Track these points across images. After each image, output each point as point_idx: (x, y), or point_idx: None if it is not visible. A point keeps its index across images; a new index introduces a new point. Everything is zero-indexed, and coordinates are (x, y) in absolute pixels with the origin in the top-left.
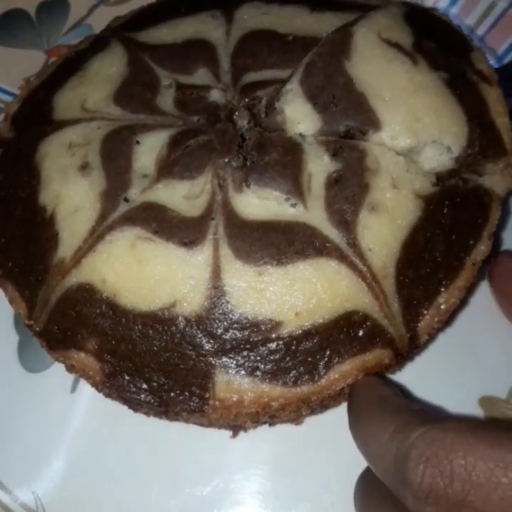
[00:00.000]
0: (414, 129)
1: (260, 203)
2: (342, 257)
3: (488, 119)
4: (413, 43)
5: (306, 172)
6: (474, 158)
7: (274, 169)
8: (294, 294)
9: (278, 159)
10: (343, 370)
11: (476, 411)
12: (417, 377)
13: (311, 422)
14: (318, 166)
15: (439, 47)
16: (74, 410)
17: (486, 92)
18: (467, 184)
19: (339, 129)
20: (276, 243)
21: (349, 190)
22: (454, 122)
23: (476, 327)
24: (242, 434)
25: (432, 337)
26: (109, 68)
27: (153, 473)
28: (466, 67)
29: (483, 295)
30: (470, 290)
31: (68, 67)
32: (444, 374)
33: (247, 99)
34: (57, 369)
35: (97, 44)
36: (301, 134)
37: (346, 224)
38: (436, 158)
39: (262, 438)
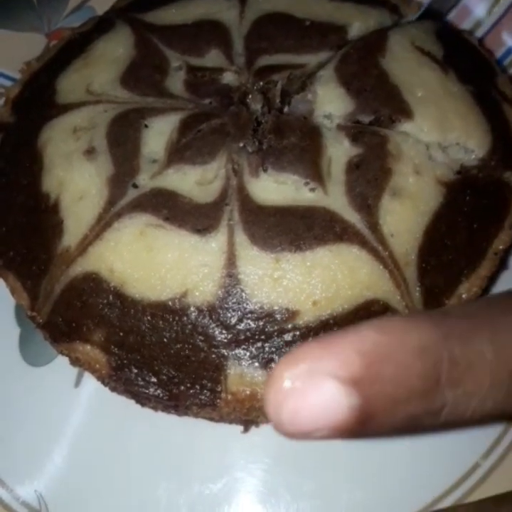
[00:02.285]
0: (442, 126)
1: (277, 187)
2: (363, 243)
3: (509, 133)
4: (443, 55)
5: (326, 156)
6: (496, 165)
7: (292, 153)
8: (312, 282)
9: (296, 143)
10: None
11: None
12: None
13: None
14: (338, 151)
15: (467, 65)
16: (78, 405)
17: (508, 111)
18: (488, 176)
19: (370, 114)
20: (294, 228)
21: (371, 174)
22: (479, 129)
23: None
24: (252, 430)
25: None
26: (116, 50)
27: (160, 470)
28: (491, 87)
29: (505, 285)
30: (492, 280)
31: (71, 49)
32: None
33: (261, 83)
34: (61, 362)
35: (101, 25)
36: (329, 115)
37: (368, 208)
38: (458, 159)
39: (272, 434)
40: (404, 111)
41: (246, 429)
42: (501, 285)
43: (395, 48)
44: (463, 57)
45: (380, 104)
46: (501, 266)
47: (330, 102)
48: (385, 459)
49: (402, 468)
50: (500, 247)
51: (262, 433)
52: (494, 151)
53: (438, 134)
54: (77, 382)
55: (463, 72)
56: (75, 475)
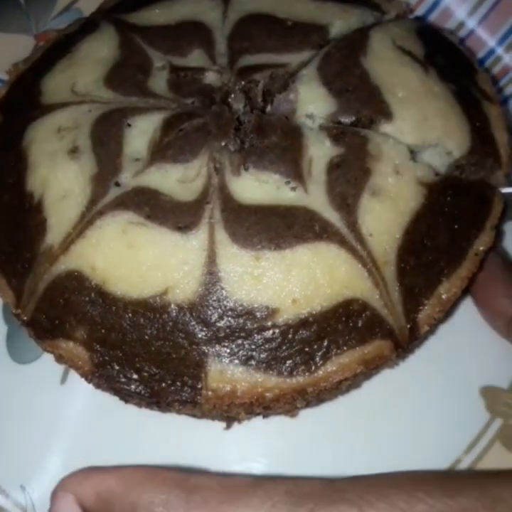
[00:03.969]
0: (422, 127)
1: (259, 186)
2: (342, 242)
3: (488, 132)
4: (424, 54)
5: (307, 156)
6: (473, 165)
7: (273, 152)
8: (291, 280)
9: (278, 143)
10: (341, 363)
11: (478, 401)
12: (418, 368)
13: (309, 414)
14: (320, 151)
15: (448, 63)
16: (64, 402)
17: (487, 108)
18: (469, 177)
19: (351, 115)
20: (274, 227)
21: (351, 174)
22: (459, 128)
23: (477, 316)
24: (239, 427)
25: (432, 328)
26: (100, 50)
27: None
28: (471, 84)
29: None
30: (472, 280)
31: (57, 50)
32: (444, 364)
33: (243, 82)
34: (47, 359)
35: (86, 26)
36: (310, 115)
37: (347, 207)
38: (436, 160)
39: (260, 431)
40: (383, 112)
41: (228, 426)
42: None
43: (376, 48)
44: (443, 55)
45: (361, 104)
46: (482, 267)
47: (312, 102)
48: (370, 456)
49: (385, 464)
50: (481, 248)
51: (252, 431)
52: (473, 149)
53: (417, 136)
54: (63, 379)
55: (444, 70)
56: (62, 471)
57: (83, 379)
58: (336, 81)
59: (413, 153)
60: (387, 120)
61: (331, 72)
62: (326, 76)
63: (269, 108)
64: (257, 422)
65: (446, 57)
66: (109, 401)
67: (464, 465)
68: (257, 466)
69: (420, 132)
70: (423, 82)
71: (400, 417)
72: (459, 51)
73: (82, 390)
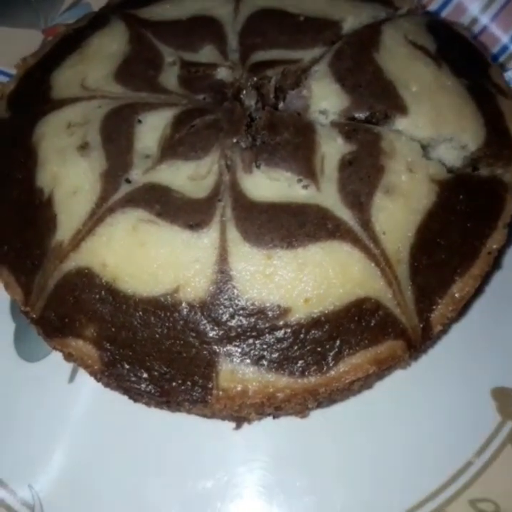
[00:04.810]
0: (436, 121)
1: (270, 184)
2: (355, 240)
3: (503, 126)
4: (436, 48)
5: (319, 153)
6: (488, 159)
7: (285, 150)
8: (303, 279)
9: (290, 139)
10: (354, 363)
11: (489, 402)
12: (429, 368)
13: (315, 415)
14: (332, 148)
15: (460, 57)
16: (72, 401)
17: (502, 102)
18: (482, 174)
19: (365, 111)
20: (286, 225)
21: (364, 171)
22: (473, 123)
23: (490, 317)
24: (245, 427)
25: (445, 328)
26: (110, 45)
27: (155, 466)
28: (485, 79)
29: (499, 284)
30: (485, 279)
31: (66, 45)
32: (456, 365)
33: (255, 78)
34: (55, 358)
35: (96, 21)
36: (324, 111)
37: (360, 205)
38: (451, 153)
39: (266, 431)
40: (399, 106)
41: (238, 426)
42: (495, 284)
43: (388, 43)
44: (456, 49)
45: (375, 100)
46: (495, 265)
47: (325, 98)
48: (379, 457)
49: (395, 465)
50: (494, 246)
51: (258, 431)
52: (488, 143)
53: (432, 129)
54: (72, 378)
55: (456, 65)
56: (69, 470)
57: (91, 377)
58: (348, 77)
59: (426, 149)
60: (402, 114)
61: (343, 68)
62: (338, 72)
63: (281, 104)
64: (263, 421)
65: (458, 52)
66: (117, 400)
67: (474, 468)
68: (263, 466)
69: (435, 126)
70: (436, 77)
71: (410, 418)
72: (471, 45)
73: (90, 389)
